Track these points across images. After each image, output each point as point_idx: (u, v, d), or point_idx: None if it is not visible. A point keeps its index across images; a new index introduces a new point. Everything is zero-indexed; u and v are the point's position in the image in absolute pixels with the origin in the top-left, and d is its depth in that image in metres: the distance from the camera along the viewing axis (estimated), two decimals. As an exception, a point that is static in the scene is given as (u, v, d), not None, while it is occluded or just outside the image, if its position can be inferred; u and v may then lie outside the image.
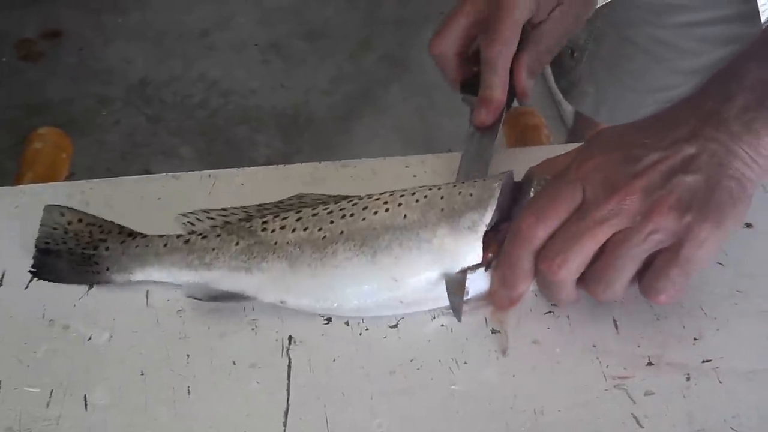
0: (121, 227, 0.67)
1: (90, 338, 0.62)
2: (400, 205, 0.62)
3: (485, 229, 0.59)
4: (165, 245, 0.64)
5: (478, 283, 0.62)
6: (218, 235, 0.64)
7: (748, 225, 0.70)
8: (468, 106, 0.77)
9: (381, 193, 0.64)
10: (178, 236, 0.65)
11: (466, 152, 0.74)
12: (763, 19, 0.92)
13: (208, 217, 0.65)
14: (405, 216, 0.61)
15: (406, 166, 0.76)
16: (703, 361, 0.60)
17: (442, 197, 0.62)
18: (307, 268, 0.61)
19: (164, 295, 0.65)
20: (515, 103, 0.79)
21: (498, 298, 0.62)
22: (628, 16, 1.02)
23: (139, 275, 0.64)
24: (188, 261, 0.63)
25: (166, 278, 0.65)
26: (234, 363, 0.61)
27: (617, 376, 0.60)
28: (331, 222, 0.62)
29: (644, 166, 0.57)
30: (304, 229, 0.62)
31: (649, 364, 0.60)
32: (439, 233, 0.60)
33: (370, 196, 0.64)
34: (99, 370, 0.61)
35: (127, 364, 0.61)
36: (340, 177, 0.75)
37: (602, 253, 0.57)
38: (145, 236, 0.66)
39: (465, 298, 0.61)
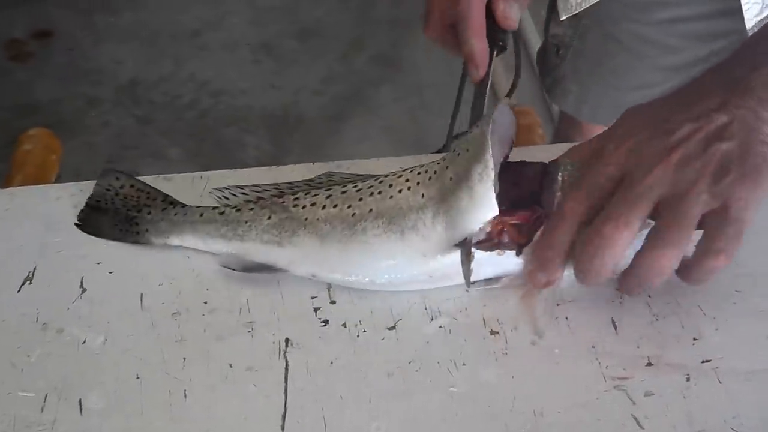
0: (166, 196, 0.70)
1: (84, 342, 0.62)
2: (418, 183, 0.63)
3: (492, 174, 0.59)
4: (201, 215, 0.67)
5: (507, 266, 0.62)
6: (251, 209, 0.66)
7: (745, 224, 0.69)
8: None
9: (403, 170, 0.65)
10: (214, 208, 0.68)
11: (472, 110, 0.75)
12: (746, 14, 0.92)
13: (242, 193, 0.68)
14: (423, 195, 0.62)
15: (401, 167, 0.76)
16: (703, 362, 0.60)
17: (447, 166, 0.62)
18: (338, 243, 0.62)
19: (159, 299, 0.65)
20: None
21: (534, 279, 0.61)
22: (612, 12, 1.02)
23: (175, 240, 0.67)
24: (222, 232, 0.66)
25: (200, 246, 0.67)
26: (231, 366, 0.60)
27: (617, 376, 0.59)
28: (360, 199, 0.63)
29: (678, 138, 0.57)
30: (334, 206, 0.64)
31: (649, 364, 0.60)
32: (456, 202, 0.60)
33: (394, 173, 0.65)
34: (94, 373, 0.60)
35: (122, 368, 0.60)
36: (335, 177, 0.75)
37: (657, 219, 0.57)
38: (185, 206, 0.69)
39: (497, 277, 0.62)
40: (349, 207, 0.63)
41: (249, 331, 0.62)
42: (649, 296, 0.64)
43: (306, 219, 0.64)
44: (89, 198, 0.71)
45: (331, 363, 0.60)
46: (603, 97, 1.11)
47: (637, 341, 0.61)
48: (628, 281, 0.59)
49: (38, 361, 0.61)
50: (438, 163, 0.63)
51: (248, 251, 0.65)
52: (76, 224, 0.69)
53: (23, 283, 0.65)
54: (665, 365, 0.60)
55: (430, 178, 0.62)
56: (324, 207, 0.64)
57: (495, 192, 0.59)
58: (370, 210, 0.63)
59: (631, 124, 0.61)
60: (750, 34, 0.93)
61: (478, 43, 0.73)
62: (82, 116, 2.22)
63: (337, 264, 0.63)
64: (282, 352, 0.61)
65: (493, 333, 0.62)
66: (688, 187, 0.56)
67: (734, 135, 0.57)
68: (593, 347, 0.61)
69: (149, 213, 0.69)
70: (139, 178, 0.74)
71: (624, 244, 0.57)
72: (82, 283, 0.66)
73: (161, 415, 0.57)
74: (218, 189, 0.69)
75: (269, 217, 0.65)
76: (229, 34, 2.57)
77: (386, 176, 0.65)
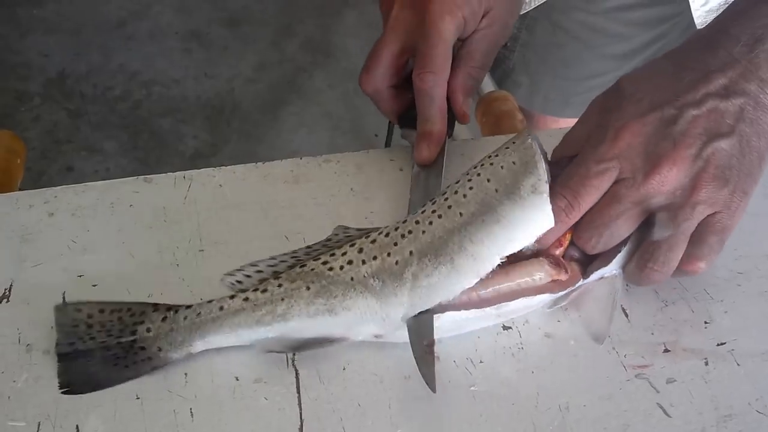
0: (155, 305, 0.58)
1: (75, 362, 0.57)
2: (450, 207, 0.58)
3: (547, 186, 0.56)
4: (221, 308, 0.57)
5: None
6: (280, 285, 0.58)
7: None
8: (408, 141, 0.72)
9: (423, 207, 0.60)
10: (231, 297, 0.58)
11: (414, 193, 0.68)
12: (692, 3, 0.93)
13: (257, 271, 0.59)
14: (461, 214, 0.57)
15: (391, 159, 0.73)
16: (718, 345, 0.60)
17: (488, 180, 0.58)
18: (395, 297, 0.56)
19: (151, 310, 0.60)
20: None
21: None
22: (559, 3, 1.01)
23: (199, 346, 0.57)
24: (257, 318, 0.57)
25: (233, 342, 0.58)
26: (237, 379, 0.57)
27: (636, 365, 0.58)
28: (395, 244, 0.58)
29: (680, 131, 0.56)
30: (374, 259, 0.57)
31: (666, 351, 0.59)
32: (505, 212, 0.56)
33: (413, 214, 0.60)
34: (89, 396, 0.55)
35: (119, 388, 0.56)
36: (323, 172, 0.72)
37: (654, 234, 0.57)
38: (189, 306, 0.58)
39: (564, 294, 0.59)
40: (388, 255, 0.57)
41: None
42: (656, 281, 0.63)
43: (352, 279, 0.57)
44: (57, 347, 0.56)
45: (344, 369, 0.58)
46: (554, 88, 1.10)
47: (651, 328, 0.60)
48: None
49: (26, 386, 0.56)
50: (469, 180, 0.59)
51: (295, 329, 0.57)
52: (63, 392, 0.55)
53: (0, 302, 0.60)
54: (682, 350, 0.59)
55: (464, 195, 0.58)
56: (364, 262, 0.57)
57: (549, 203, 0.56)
58: (411, 253, 0.57)
59: (638, 101, 0.58)
60: (696, 17, 0.93)
61: (440, 123, 0.68)
62: (11, 111, 2.12)
63: (401, 320, 0.57)
64: (290, 361, 0.58)
65: (505, 328, 0.60)
66: (687, 197, 0.56)
67: (733, 129, 0.56)
68: (608, 337, 0.60)
69: (149, 330, 0.57)
70: (110, 182, 0.69)
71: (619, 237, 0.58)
72: (64, 298, 0.61)
73: (169, 436, 0.54)
74: (229, 273, 0.58)
75: (308, 288, 0.57)
76: (156, 23, 2.49)
77: (406, 219, 0.60)
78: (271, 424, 0.54)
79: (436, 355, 0.56)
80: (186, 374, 0.57)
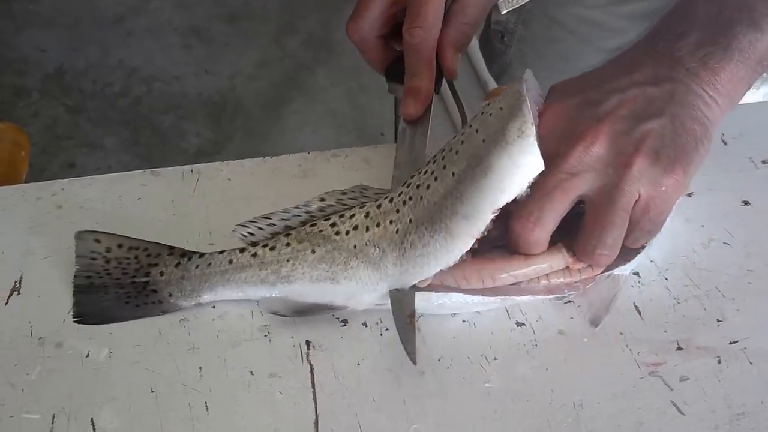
0: (171, 247, 0.60)
1: (88, 355, 0.57)
2: (444, 167, 0.57)
3: (534, 129, 0.54)
4: (230, 262, 0.58)
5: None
6: (287, 244, 0.58)
7: (746, 203, 0.69)
8: (394, 95, 0.71)
9: (427, 164, 0.60)
10: (242, 250, 0.59)
11: (399, 150, 0.67)
12: None
13: (269, 224, 0.60)
14: (453, 174, 0.57)
15: (419, 173, 0.73)
16: (731, 343, 0.60)
17: (477, 130, 0.57)
18: (393, 267, 0.57)
19: (164, 304, 0.60)
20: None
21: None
22: None
23: (207, 297, 0.59)
24: (262, 276, 0.58)
25: (238, 296, 0.59)
26: (252, 373, 0.57)
27: (650, 363, 0.58)
28: (397, 211, 0.58)
29: (605, 110, 0.56)
30: (377, 226, 0.58)
31: (679, 348, 0.59)
32: (492, 161, 0.55)
33: (419, 171, 0.60)
34: (103, 389, 0.55)
35: (133, 382, 0.56)
36: (331, 167, 0.71)
37: (589, 215, 0.57)
38: (203, 255, 0.59)
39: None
40: (391, 223, 0.58)
41: (266, 335, 0.59)
42: (666, 278, 0.63)
43: (355, 246, 0.58)
44: (75, 278, 0.59)
45: (358, 364, 0.57)
46: (551, 83, 1.09)
47: (664, 326, 0.60)
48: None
49: (39, 378, 0.56)
50: (462, 133, 0.58)
51: (298, 293, 0.58)
52: (75, 321, 0.58)
53: (11, 294, 0.60)
54: (695, 348, 0.59)
55: (457, 152, 0.57)
56: (367, 229, 0.58)
57: (538, 146, 0.54)
58: (410, 220, 0.57)
59: (561, 93, 0.59)
60: None
61: (428, 80, 0.66)
62: (9, 107, 2.10)
63: (399, 284, 0.58)
64: (304, 356, 0.58)
65: (519, 325, 0.60)
66: (618, 176, 0.54)
67: (663, 110, 0.56)
68: (621, 334, 0.60)
69: (162, 273, 0.58)
70: (118, 175, 0.69)
71: (546, 235, 0.57)
72: (73, 302, 0.60)
73: (184, 431, 0.53)
74: (242, 224, 0.60)
75: (313, 251, 0.58)
76: (154, 19, 2.48)
77: (414, 176, 0.60)
78: (286, 418, 0.54)
79: (417, 327, 0.57)
80: (200, 368, 0.57)
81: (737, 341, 0.60)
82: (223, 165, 0.71)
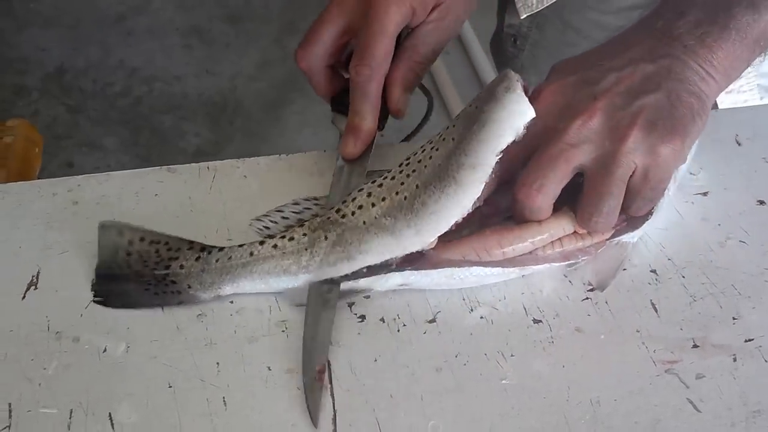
0: (191, 242, 0.60)
1: (105, 350, 0.57)
2: (443, 139, 0.60)
3: (519, 85, 0.57)
4: (251, 254, 0.59)
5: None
6: (304, 234, 0.60)
7: (761, 202, 0.69)
8: (337, 128, 0.69)
9: (423, 144, 0.62)
10: (261, 242, 0.60)
11: (333, 188, 0.66)
12: None
13: (282, 217, 0.61)
14: (453, 139, 0.59)
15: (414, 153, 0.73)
16: (746, 341, 0.60)
17: (470, 105, 0.60)
18: (408, 229, 0.59)
19: (180, 299, 0.60)
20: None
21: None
22: (571, 1, 1.00)
23: (227, 289, 0.59)
24: (284, 266, 0.59)
25: (261, 288, 0.60)
26: (269, 369, 0.57)
27: (666, 360, 0.58)
28: (402, 183, 0.60)
29: (603, 88, 0.58)
30: (383, 200, 0.60)
31: (695, 346, 0.59)
32: (486, 115, 0.57)
33: (414, 153, 0.62)
34: (121, 384, 0.55)
35: (151, 377, 0.56)
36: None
37: (587, 184, 0.58)
38: (222, 248, 0.60)
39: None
40: (396, 194, 0.60)
41: (283, 331, 0.59)
42: (683, 276, 0.63)
43: (364, 222, 0.60)
44: (98, 267, 0.60)
45: (375, 360, 0.57)
46: None
47: (680, 323, 0.60)
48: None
49: (56, 373, 0.56)
50: (457, 118, 0.61)
51: (320, 278, 0.60)
52: (96, 301, 0.59)
53: (28, 289, 0.60)
54: (711, 346, 0.59)
55: (454, 125, 0.60)
56: (374, 205, 0.60)
57: (526, 96, 0.57)
58: (417, 186, 0.59)
59: (560, 71, 0.61)
60: None
61: (371, 120, 0.65)
62: (9, 107, 2.10)
63: (418, 245, 0.59)
64: (321, 352, 0.58)
65: (536, 321, 0.60)
66: (615, 147, 0.56)
67: (660, 85, 0.57)
68: (638, 331, 0.60)
69: (182, 267, 0.59)
70: (134, 171, 0.69)
71: (549, 202, 0.59)
72: (93, 286, 0.60)
73: (203, 426, 0.53)
74: (257, 219, 0.61)
75: (326, 237, 0.59)
76: (156, 19, 2.48)
77: (409, 157, 0.62)
78: (304, 413, 0.54)
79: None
80: (218, 363, 0.57)
81: (753, 339, 0.60)
82: (239, 162, 0.71)
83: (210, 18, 2.49)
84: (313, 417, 0.54)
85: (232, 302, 0.60)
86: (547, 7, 1.00)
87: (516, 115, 0.57)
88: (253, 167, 0.70)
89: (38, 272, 0.61)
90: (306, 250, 0.59)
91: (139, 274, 0.59)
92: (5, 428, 0.53)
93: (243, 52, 2.40)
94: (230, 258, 0.59)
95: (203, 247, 0.60)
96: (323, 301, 0.59)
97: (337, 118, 0.70)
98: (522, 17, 0.96)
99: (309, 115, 2.23)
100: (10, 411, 0.53)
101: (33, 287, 0.60)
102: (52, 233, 0.64)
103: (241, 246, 0.60)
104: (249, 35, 2.46)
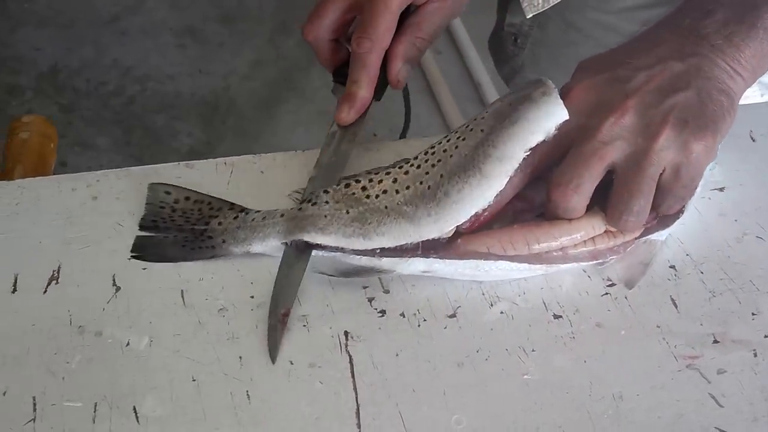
0: (232, 204, 0.65)
1: (128, 344, 0.57)
2: (471, 129, 0.61)
3: (556, 91, 0.59)
4: (282, 215, 0.63)
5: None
6: (326, 202, 0.62)
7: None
8: (336, 96, 0.71)
9: (448, 134, 0.63)
10: (291, 208, 0.63)
11: (324, 152, 0.69)
12: None
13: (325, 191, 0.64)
14: (482, 131, 0.60)
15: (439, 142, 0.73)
16: (766, 336, 0.60)
17: (501, 101, 0.62)
18: (428, 216, 0.59)
19: (202, 295, 0.60)
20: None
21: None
22: (573, 1, 1.01)
23: (257, 246, 0.62)
24: (302, 226, 0.61)
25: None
26: (292, 363, 0.57)
27: (687, 356, 0.59)
28: (427, 173, 0.61)
29: (634, 86, 0.58)
30: (407, 188, 0.61)
31: (715, 341, 0.60)
32: (520, 114, 0.59)
33: (439, 142, 0.63)
34: (144, 378, 0.55)
35: (174, 371, 0.56)
36: (363, 161, 0.71)
37: (618, 182, 0.59)
38: (259, 210, 0.64)
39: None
40: (421, 183, 0.61)
41: (304, 325, 0.59)
42: (702, 272, 0.64)
43: (386, 207, 0.61)
44: (142, 220, 0.64)
45: (397, 355, 0.57)
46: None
47: (699, 319, 0.61)
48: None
49: (80, 367, 0.55)
50: (486, 111, 0.62)
51: (330, 242, 0.61)
52: (133, 256, 0.62)
53: (49, 283, 0.60)
54: (731, 342, 0.60)
55: (483, 117, 0.61)
56: (397, 192, 0.61)
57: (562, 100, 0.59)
58: (441, 175, 0.60)
59: (589, 70, 0.62)
60: None
61: (367, 89, 0.67)
62: (3, 106, 2.08)
63: (435, 233, 0.60)
64: (343, 346, 0.58)
65: (556, 317, 0.61)
66: (647, 144, 0.57)
67: (690, 83, 0.58)
68: (658, 327, 0.60)
69: (220, 224, 0.63)
70: (152, 167, 0.69)
71: (584, 201, 0.59)
72: (114, 280, 0.60)
73: (227, 419, 0.53)
74: (296, 191, 0.66)
75: (347, 212, 0.61)
76: (150, 19, 2.46)
77: (433, 146, 0.63)
78: (328, 407, 0.54)
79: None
80: (240, 357, 0.57)
81: (771, 335, 0.60)
82: (256, 158, 0.71)
83: (203, 18, 2.48)
84: (272, 355, 0.57)
85: (252, 297, 0.60)
86: (550, 6, 1.00)
87: (550, 116, 0.59)
88: (269, 163, 0.70)
89: (59, 267, 0.61)
90: (325, 216, 0.61)
91: (180, 229, 0.63)
92: (30, 421, 0.52)
93: (236, 51, 2.39)
94: (264, 218, 0.63)
95: (242, 209, 0.64)
96: (297, 253, 0.61)
97: (337, 88, 0.72)
98: (528, 16, 0.96)
99: (302, 114, 2.23)
100: (34, 404, 0.53)
101: (54, 282, 0.60)
102: (72, 228, 0.63)
103: (275, 210, 0.63)
104: (242, 35, 2.45)
